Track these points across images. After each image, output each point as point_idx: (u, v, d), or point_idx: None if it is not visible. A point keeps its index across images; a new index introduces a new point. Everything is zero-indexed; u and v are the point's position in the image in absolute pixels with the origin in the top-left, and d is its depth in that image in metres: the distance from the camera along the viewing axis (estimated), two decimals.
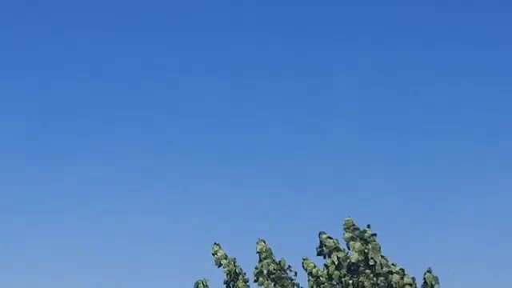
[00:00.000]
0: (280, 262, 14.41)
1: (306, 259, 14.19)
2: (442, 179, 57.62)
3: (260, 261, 14.27)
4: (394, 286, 13.80)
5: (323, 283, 13.93)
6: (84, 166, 59.01)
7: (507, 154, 57.12)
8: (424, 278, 14.16)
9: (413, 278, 14.08)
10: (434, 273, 14.15)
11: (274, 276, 14.22)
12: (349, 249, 13.91)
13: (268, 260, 14.22)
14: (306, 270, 14.16)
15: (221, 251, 14.69)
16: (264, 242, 14.34)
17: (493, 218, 52.59)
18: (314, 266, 14.11)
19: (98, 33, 65.52)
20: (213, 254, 14.75)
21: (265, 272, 14.23)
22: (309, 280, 14.10)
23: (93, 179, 60.11)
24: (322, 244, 13.97)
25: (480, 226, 52.40)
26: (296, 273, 14.35)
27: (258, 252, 14.28)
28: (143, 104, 62.11)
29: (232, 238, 16.64)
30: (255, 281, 14.40)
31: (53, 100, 61.33)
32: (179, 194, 56.48)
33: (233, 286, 14.60)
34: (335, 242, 13.89)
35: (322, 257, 14.09)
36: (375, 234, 13.93)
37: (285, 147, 58.55)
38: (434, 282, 14.05)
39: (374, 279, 13.81)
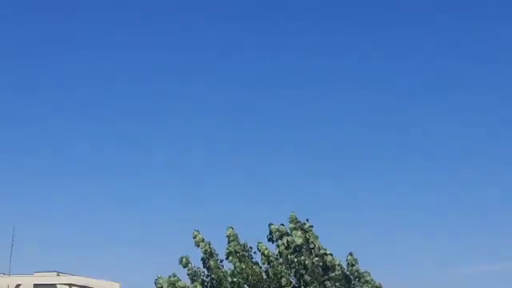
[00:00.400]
0: (244, 244, 18.40)
1: (261, 243, 18.33)
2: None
3: (228, 242, 18.33)
4: (328, 264, 18.06)
5: (272, 261, 18.13)
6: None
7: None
8: (347, 259, 18.70)
9: (340, 261, 18.65)
10: (355, 255, 18.57)
11: (238, 255, 18.17)
12: (292, 236, 18.42)
13: (234, 242, 18.25)
14: (259, 250, 18.29)
15: (199, 236, 18.54)
16: (232, 229, 18.39)
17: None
18: (266, 248, 18.21)
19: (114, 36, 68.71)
20: (193, 238, 18.57)
21: (232, 251, 18.24)
22: (261, 258, 18.24)
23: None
24: (271, 232, 18.29)
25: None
26: (251, 248, 18.28)
27: (227, 236, 18.30)
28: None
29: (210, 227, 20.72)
30: (226, 258, 18.28)
31: None
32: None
33: (207, 262, 18.36)
34: (285, 228, 18.32)
35: (271, 242, 18.24)
36: (312, 226, 18.61)
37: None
38: (354, 262, 18.40)
39: (313, 259, 17.91)
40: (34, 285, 46.86)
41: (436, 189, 62.22)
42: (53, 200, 66.31)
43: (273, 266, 18.10)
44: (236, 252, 18.37)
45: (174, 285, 17.88)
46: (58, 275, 46.57)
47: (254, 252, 18.54)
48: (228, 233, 18.49)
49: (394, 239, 54.86)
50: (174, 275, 18.14)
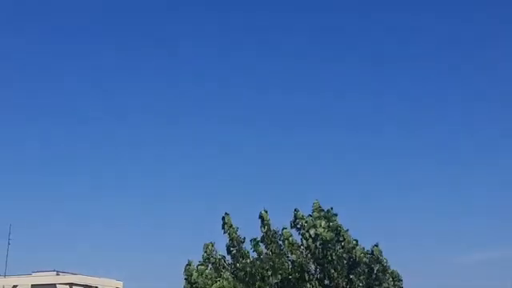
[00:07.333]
0: (274, 230, 18.24)
1: (285, 229, 18.11)
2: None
3: (261, 226, 18.18)
4: (355, 258, 17.75)
5: (295, 250, 17.86)
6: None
7: None
8: (372, 251, 18.28)
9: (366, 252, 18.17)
10: (380, 247, 18.35)
11: (267, 239, 18.10)
12: (317, 228, 17.88)
13: (265, 227, 18.16)
14: (283, 237, 18.07)
15: (229, 219, 18.32)
16: (266, 212, 18.23)
17: None
18: (291, 235, 18.03)
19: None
20: (222, 219, 18.38)
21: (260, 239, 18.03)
22: (286, 245, 17.93)
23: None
24: (296, 218, 18.08)
25: None
26: (280, 234, 18.06)
27: (259, 218, 18.12)
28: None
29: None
30: (253, 247, 18.10)
31: None
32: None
33: (232, 249, 18.18)
34: (312, 220, 17.85)
35: (295, 229, 18.08)
36: (336, 214, 18.09)
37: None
38: (379, 254, 18.25)
39: (340, 253, 17.69)
40: (32, 285, 45.98)
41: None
42: (51, 197, 65.16)
43: (296, 255, 17.82)
44: (265, 237, 18.19)
45: (202, 274, 17.80)
46: (58, 274, 45.56)
47: (281, 240, 18.23)
48: (262, 215, 18.27)
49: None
50: (202, 264, 18.11)
